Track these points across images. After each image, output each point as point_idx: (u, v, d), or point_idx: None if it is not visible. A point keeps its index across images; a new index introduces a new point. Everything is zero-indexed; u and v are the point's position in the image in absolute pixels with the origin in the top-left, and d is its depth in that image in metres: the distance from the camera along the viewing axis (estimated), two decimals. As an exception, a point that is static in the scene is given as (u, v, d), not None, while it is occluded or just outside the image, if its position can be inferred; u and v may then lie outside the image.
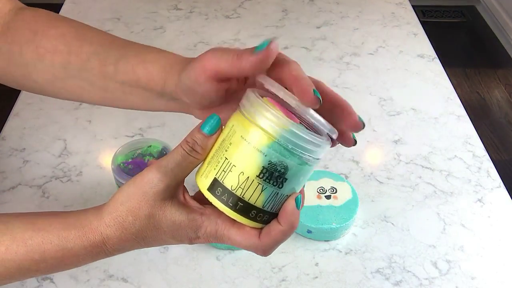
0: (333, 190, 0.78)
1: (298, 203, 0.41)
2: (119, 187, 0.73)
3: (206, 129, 0.41)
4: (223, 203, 0.40)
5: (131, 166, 0.75)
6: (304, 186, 0.44)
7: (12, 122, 0.94)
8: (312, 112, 0.40)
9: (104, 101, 0.53)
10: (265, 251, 0.42)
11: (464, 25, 2.89)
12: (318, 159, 0.41)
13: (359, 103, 1.00)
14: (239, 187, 0.40)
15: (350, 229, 0.77)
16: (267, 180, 0.40)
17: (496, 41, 2.77)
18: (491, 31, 2.83)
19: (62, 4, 1.26)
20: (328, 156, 0.89)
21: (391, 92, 1.04)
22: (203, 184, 0.41)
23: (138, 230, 0.42)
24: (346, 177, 0.85)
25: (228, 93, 0.45)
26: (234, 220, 0.41)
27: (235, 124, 0.40)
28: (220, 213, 0.41)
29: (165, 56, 0.48)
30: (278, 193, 0.40)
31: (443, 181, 0.85)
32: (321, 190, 0.78)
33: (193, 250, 0.74)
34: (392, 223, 0.79)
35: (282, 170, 0.39)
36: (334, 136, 0.41)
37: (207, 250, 0.74)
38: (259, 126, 0.39)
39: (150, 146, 0.77)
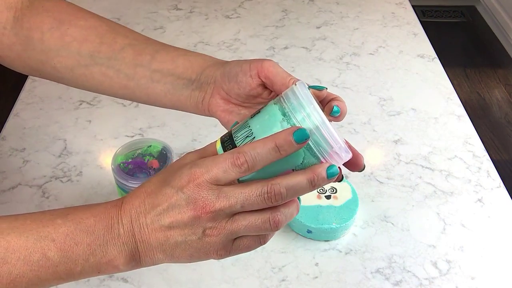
0: (333, 190, 0.78)
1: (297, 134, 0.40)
2: (119, 187, 0.73)
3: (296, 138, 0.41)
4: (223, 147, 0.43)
5: (131, 166, 0.75)
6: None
7: (12, 122, 0.94)
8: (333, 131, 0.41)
9: (124, 90, 0.54)
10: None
11: (464, 25, 2.89)
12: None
13: (359, 103, 1.00)
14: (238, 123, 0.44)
15: (350, 229, 0.77)
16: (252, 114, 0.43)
17: (496, 41, 2.77)
18: (491, 31, 2.84)
19: (62, 4, 1.26)
20: (328, 156, 0.88)
21: (391, 92, 1.04)
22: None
23: (146, 184, 0.42)
24: (346, 177, 0.85)
25: (256, 99, 0.50)
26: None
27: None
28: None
29: (208, 55, 0.53)
30: (246, 121, 0.43)
31: (443, 181, 0.85)
32: (321, 190, 0.78)
33: (193, 250, 0.74)
34: (392, 223, 0.79)
35: (263, 106, 0.43)
36: (344, 157, 0.42)
37: (207, 250, 0.74)
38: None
39: (150, 146, 0.77)
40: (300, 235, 0.76)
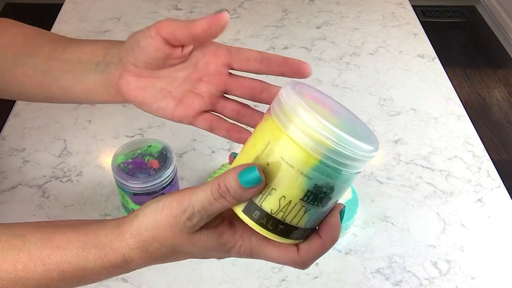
0: (333, 190, 0.78)
1: (343, 216, 0.41)
2: (119, 187, 0.73)
3: (244, 181, 0.37)
4: (261, 226, 0.38)
5: (131, 166, 0.75)
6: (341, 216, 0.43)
7: (12, 122, 0.94)
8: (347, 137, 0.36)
9: (42, 87, 0.52)
10: (304, 265, 0.41)
11: (464, 25, 2.89)
12: (353, 173, 0.38)
13: (359, 103, 1.00)
14: (280, 211, 0.37)
15: (350, 229, 0.77)
16: (312, 202, 0.37)
17: (496, 41, 2.77)
18: (491, 31, 2.84)
19: (62, 4, 1.26)
20: (328, 156, 0.88)
21: (391, 92, 1.04)
22: (238, 205, 0.39)
23: (164, 254, 0.41)
24: (346, 177, 0.85)
25: (168, 62, 0.46)
26: (268, 240, 0.40)
27: (271, 141, 0.37)
28: (253, 230, 0.39)
29: (118, 40, 0.49)
30: (321, 211, 0.38)
31: (443, 181, 0.85)
32: (321, 190, 0.78)
33: (193, 250, 0.74)
34: (392, 223, 0.79)
35: (328, 191, 0.37)
36: (374, 154, 0.38)
37: (207, 250, 0.74)
38: (301, 146, 0.35)
39: (150, 146, 0.77)
40: (300, 235, 0.76)
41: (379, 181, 0.85)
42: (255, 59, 0.46)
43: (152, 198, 0.72)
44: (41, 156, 0.88)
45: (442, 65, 1.11)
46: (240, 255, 0.41)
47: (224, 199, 0.38)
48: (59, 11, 1.24)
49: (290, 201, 0.37)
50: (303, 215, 0.37)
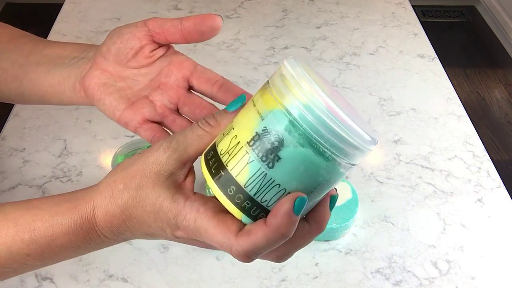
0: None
1: (298, 205, 0.33)
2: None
3: (229, 106, 0.38)
4: (208, 168, 0.35)
5: (131, 166, 0.75)
6: (330, 206, 0.36)
7: (12, 122, 0.94)
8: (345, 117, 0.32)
9: (15, 81, 0.50)
10: (241, 254, 0.34)
11: (464, 25, 2.89)
12: (339, 157, 0.33)
13: (359, 103, 1.00)
14: (227, 152, 0.34)
15: (350, 229, 0.77)
16: (256, 150, 0.33)
17: (496, 41, 2.77)
18: (491, 31, 2.84)
19: (62, 4, 1.26)
20: (328, 156, 0.88)
21: (391, 92, 1.04)
22: (205, 150, 0.37)
23: (124, 203, 0.37)
24: (346, 177, 0.85)
25: (137, 59, 0.45)
26: (218, 213, 0.35)
27: (257, 92, 0.35)
28: (206, 201, 0.36)
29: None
30: (266, 174, 0.33)
31: (443, 181, 0.85)
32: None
33: (193, 250, 0.74)
34: (392, 223, 0.79)
35: (276, 144, 0.32)
36: (371, 146, 0.33)
37: (207, 250, 0.74)
38: (273, 90, 0.33)
39: (150, 146, 0.77)
40: (300, 235, 0.76)
41: (379, 181, 0.85)
42: (216, 82, 0.45)
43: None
44: (41, 156, 0.88)
45: (442, 65, 1.11)
46: (185, 227, 0.36)
47: (206, 123, 0.37)
48: (59, 11, 1.24)
49: (239, 142, 0.33)
50: (245, 165, 0.33)
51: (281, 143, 0.32)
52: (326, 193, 0.35)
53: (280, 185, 0.33)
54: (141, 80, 0.45)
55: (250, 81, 1.04)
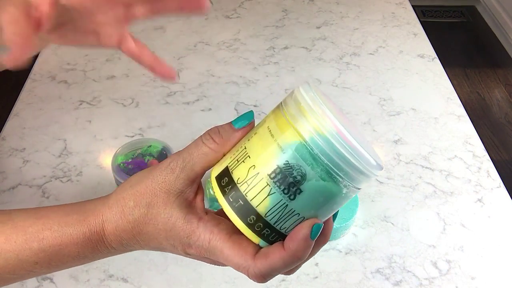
0: (333, 190, 0.78)
1: (315, 231, 0.34)
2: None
3: (235, 122, 0.37)
4: (224, 195, 0.35)
5: (131, 166, 0.75)
6: (333, 218, 0.37)
7: (12, 122, 0.94)
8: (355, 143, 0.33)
9: None
10: (258, 275, 0.35)
11: (464, 25, 2.89)
12: (353, 185, 0.34)
13: (359, 103, 1.00)
14: (245, 181, 0.34)
15: (350, 229, 0.77)
16: (278, 183, 0.33)
17: (496, 41, 2.77)
18: (491, 31, 2.84)
19: (62, 4, 1.26)
20: (328, 156, 0.88)
21: (391, 92, 1.04)
22: (215, 171, 0.37)
23: (135, 219, 0.38)
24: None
25: (89, 23, 0.43)
26: (232, 234, 0.36)
27: (269, 116, 0.35)
28: (219, 222, 0.37)
29: None
30: (287, 205, 0.34)
31: (443, 181, 0.85)
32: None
33: (193, 250, 0.74)
34: (392, 223, 0.79)
35: (298, 178, 0.33)
36: (378, 172, 0.35)
37: (207, 250, 0.74)
38: (290, 120, 0.33)
39: (150, 146, 0.77)
40: (300, 235, 0.76)
41: (379, 181, 0.85)
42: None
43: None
44: (41, 156, 0.88)
45: (442, 65, 1.11)
46: (199, 246, 0.37)
47: (211, 140, 0.37)
48: (59, 11, 1.24)
49: (258, 173, 0.34)
50: (266, 197, 0.34)
51: (303, 178, 0.33)
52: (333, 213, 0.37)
53: (299, 214, 0.34)
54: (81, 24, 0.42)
55: (250, 81, 1.04)
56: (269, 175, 0.33)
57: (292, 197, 0.33)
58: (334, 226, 0.73)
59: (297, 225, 0.34)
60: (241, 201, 0.34)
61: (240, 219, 0.35)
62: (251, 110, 0.38)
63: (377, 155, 0.35)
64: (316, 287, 0.70)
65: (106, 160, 0.88)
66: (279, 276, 0.71)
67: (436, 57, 1.13)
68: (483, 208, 0.81)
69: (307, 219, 0.34)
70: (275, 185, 0.33)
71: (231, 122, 0.37)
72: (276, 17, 1.24)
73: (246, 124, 0.37)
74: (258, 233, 0.35)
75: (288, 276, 0.71)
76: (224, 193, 0.35)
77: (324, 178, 0.33)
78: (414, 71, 1.09)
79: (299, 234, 0.34)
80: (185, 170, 0.37)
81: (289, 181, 0.33)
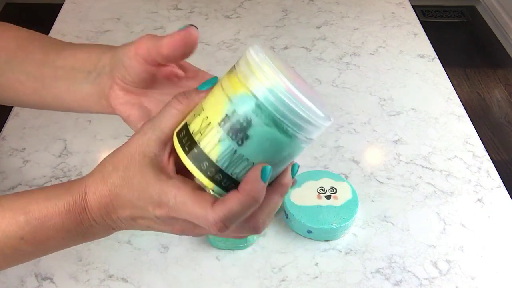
0: (333, 190, 0.78)
1: (265, 173, 0.37)
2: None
3: (200, 86, 0.41)
4: (181, 146, 0.39)
5: (131, 166, 0.75)
6: (292, 171, 0.40)
7: (12, 122, 0.94)
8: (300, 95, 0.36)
9: (35, 95, 0.51)
10: (217, 222, 0.37)
11: (464, 25, 2.89)
12: (300, 134, 0.37)
13: (359, 103, 1.00)
14: (199, 131, 0.38)
15: (350, 229, 0.77)
16: (226, 130, 0.36)
17: (496, 41, 2.77)
18: (491, 31, 2.84)
19: (62, 4, 1.26)
20: (328, 156, 0.89)
21: (391, 92, 1.04)
22: (176, 128, 0.40)
23: (113, 183, 0.39)
24: (346, 177, 0.85)
25: (151, 81, 0.46)
26: (196, 190, 0.38)
27: (224, 76, 0.39)
28: (187, 181, 0.39)
29: (108, 45, 0.49)
30: (236, 151, 0.37)
31: (443, 181, 0.85)
32: (321, 190, 0.78)
33: (193, 250, 0.74)
34: (392, 223, 0.79)
35: (245, 124, 0.36)
36: (326, 122, 0.38)
37: (207, 250, 0.74)
38: (240, 76, 0.37)
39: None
40: (300, 235, 0.76)
41: (379, 181, 0.85)
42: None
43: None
44: (41, 156, 0.88)
45: (442, 65, 1.11)
46: (168, 205, 0.38)
47: (177, 102, 0.40)
48: (59, 11, 1.24)
49: (210, 122, 0.37)
50: (216, 143, 0.37)
51: (249, 124, 0.36)
52: (288, 164, 0.39)
53: (248, 159, 0.37)
54: (167, 99, 0.44)
55: (250, 81, 1.04)
56: (219, 123, 0.37)
57: (240, 142, 0.36)
58: (334, 226, 0.73)
59: (246, 169, 0.37)
60: (195, 150, 0.38)
61: (195, 166, 0.38)
62: (215, 76, 0.41)
63: (326, 108, 0.38)
64: (316, 287, 0.70)
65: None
66: (279, 276, 0.71)
67: (436, 57, 1.13)
68: (483, 208, 0.81)
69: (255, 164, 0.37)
70: (224, 132, 0.37)
71: (197, 87, 0.41)
72: (276, 17, 1.24)
73: (209, 87, 0.40)
74: (211, 179, 0.38)
75: (288, 276, 0.71)
76: (182, 146, 0.38)
77: (269, 124, 0.36)
78: (414, 71, 1.09)
79: (251, 175, 0.37)
80: (155, 132, 0.39)
81: (236, 127, 0.36)
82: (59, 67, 0.49)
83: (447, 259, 0.74)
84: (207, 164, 0.38)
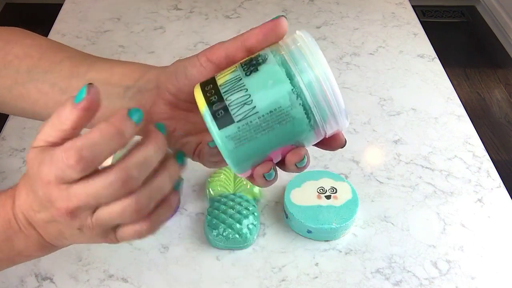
0: (333, 190, 0.78)
1: (133, 113, 0.35)
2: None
3: (76, 98, 0.39)
4: (201, 89, 0.39)
5: (131, 166, 0.75)
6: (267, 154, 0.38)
7: (12, 122, 0.94)
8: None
9: (57, 106, 0.48)
10: (68, 150, 0.36)
11: (464, 25, 2.89)
12: (303, 106, 0.36)
13: (359, 103, 1.00)
14: (222, 72, 0.39)
15: (350, 229, 0.77)
16: (243, 64, 0.38)
17: (496, 41, 2.77)
18: (491, 31, 2.84)
19: (62, 4, 1.26)
20: (328, 156, 0.89)
21: (391, 92, 1.04)
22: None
23: (27, 172, 0.39)
24: (346, 177, 0.85)
25: None
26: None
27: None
28: None
29: (148, 64, 0.47)
30: (241, 79, 0.37)
31: (443, 181, 0.85)
32: (321, 190, 0.78)
33: (193, 250, 0.74)
34: (392, 223, 0.79)
35: (260, 60, 0.37)
36: (342, 124, 0.38)
37: (207, 250, 0.74)
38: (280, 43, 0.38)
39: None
40: (300, 235, 0.76)
41: (379, 181, 0.85)
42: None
43: (152, 198, 0.72)
44: (41, 156, 0.88)
45: (442, 65, 1.11)
46: (47, 163, 0.37)
47: (57, 114, 0.40)
48: (59, 11, 1.24)
49: (235, 65, 0.39)
50: (228, 73, 0.38)
51: (264, 60, 0.37)
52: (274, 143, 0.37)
53: (247, 90, 0.36)
54: None
55: (250, 81, 1.04)
56: (241, 62, 0.38)
57: (248, 73, 0.37)
58: (334, 226, 0.73)
59: (241, 101, 0.36)
60: (211, 84, 0.38)
61: (200, 87, 0.38)
62: (85, 85, 0.38)
63: (345, 109, 0.39)
64: (316, 287, 0.70)
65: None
66: (279, 276, 0.71)
67: (436, 57, 1.13)
68: (483, 208, 0.81)
69: (252, 100, 0.36)
70: (240, 66, 0.38)
71: (72, 97, 0.38)
72: (276, 17, 1.24)
73: (81, 99, 0.38)
74: (207, 98, 0.37)
75: (288, 276, 0.71)
76: (203, 89, 0.38)
77: (280, 64, 0.36)
78: (414, 71, 1.09)
79: (120, 111, 0.36)
80: (42, 129, 0.40)
81: (252, 63, 0.37)
82: (91, 80, 0.46)
83: (447, 259, 0.74)
84: (211, 86, 0.37)
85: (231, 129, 0.36)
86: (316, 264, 0.73)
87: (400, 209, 0.81)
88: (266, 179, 0.39)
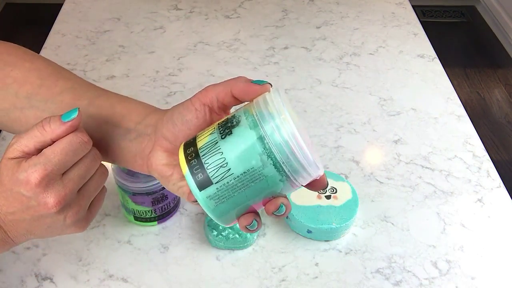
0: (333, 190, 0.78)
1: (68, 114, 0.43)
2: (119, 187, 0.73)
3: (63, 116, 0.42)
4: (184, 152, 0.42)
5: (131, 166, 0.75)
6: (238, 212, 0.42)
7: (12, 122, 0.94)
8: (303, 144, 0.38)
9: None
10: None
11: (464, 25, 2.89)
12: (273, 160, 0.38)
13: (359, 103, 1.00)
14: (202, 133, 0.42)
15: (350, 229, 0.77)
16: (219, 126, 0.41)
17: (496, 41, 2.77)
18: (491, 31, 2.84)
19: (62, 4, 1.26)
20: (328, 156, 0.89)
21: (391, 92, 1.04)
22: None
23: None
24: (346, 177, 0.85)
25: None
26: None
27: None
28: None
29: (149, 105, 0.49)
30: (217, 143, 0.40)
31: (443, 181, 0.85)
32: (321, 190, 0.78)
33: (193, 250, 0.74)
34: (392, 223, 0.79)
35: (234, 123, 0.40)
36: (315, 173, 0.40)
37: (207, 250, 0.74)
38: (253, 104, 0.41)
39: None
40: (300, 235, 0.76)
41: (379, 181, 0.85)
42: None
43: (152, 198, 0.72)
44: (41, 156, 0.87)
45: (442, 65, 1.11)
46: (32, 161, 0.41)
47: (41, 127, 0.41)
48: (59, 11, 1.24)
49: (214, 126, 0.42)
50: (207, 135, 0.41)
51: (237, 123, 0.40)
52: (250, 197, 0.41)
53: (222, 153, 0.39)
54: None
55: (250, 81, 1.04)
56: (219, 123, 0.41)
57: (223, 136, 0.39)
58: (334, 226, 0.73)
59: (218, 164, 0.39)
60: (192, 145, 0.41)
61: (183, 149, 0.42)
62: (77, 107, 0.42)
63: (318, 159, 0.40)
64: (316, 287, 0.70)
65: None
66: (279, 276, 0.71)
67: (436, 57, 1.13)
68: (483, 208, 0.81)
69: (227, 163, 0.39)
70: (218, 128, 0.41)
71: (60, 116, 0.42)
72: (276, 17, 1.24)
73: (71, 118, 0.41)
74: (188, 161, 0.40)
75: (288, 276, 0.71)
76: (185, 152, 0.42)
77: (251, 127, 0.39)
78: (414, 71, 1.09)
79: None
80: (17, 142, 0.42)
81: (227, 125, 0.40)
82: (92, 116, 0.47)
83: (447, 259, 0.74)
84: (192, 149, 0.41)
85: (210, 189, 0.40)
86: (316, 264, 0.73)
87: (400, 209, 0.81)
88: (249, 229, 0.42)
